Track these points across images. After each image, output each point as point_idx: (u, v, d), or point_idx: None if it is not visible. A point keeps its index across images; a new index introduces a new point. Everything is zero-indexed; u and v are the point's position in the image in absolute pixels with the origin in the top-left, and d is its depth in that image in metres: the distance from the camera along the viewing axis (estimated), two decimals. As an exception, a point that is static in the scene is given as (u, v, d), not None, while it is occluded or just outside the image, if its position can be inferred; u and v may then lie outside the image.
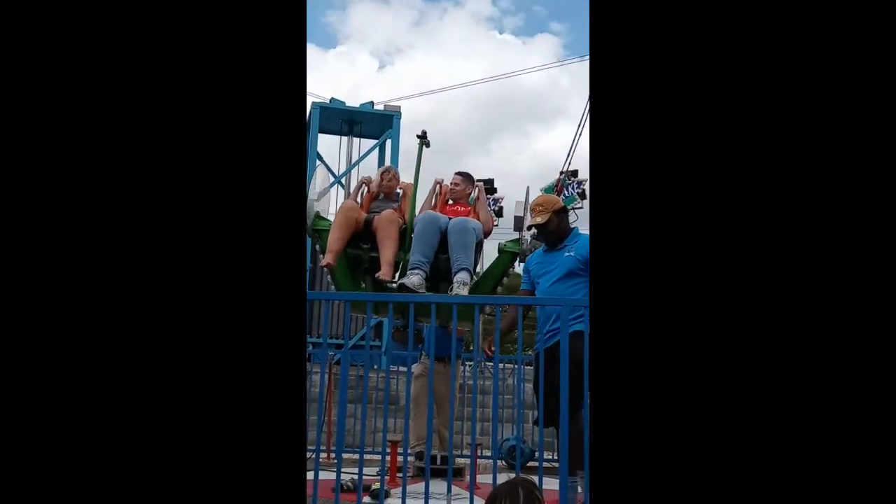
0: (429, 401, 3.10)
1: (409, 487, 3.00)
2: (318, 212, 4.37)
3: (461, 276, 3.80)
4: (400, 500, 2.98)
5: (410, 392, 3.41)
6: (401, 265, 4.16)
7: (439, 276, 4.02)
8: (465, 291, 3.77)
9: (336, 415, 5.34)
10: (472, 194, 4.51)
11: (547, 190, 9.68)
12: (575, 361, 2.77)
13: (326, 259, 3.96)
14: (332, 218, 4.43)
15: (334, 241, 3.99)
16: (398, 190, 4.54)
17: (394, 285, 3.83)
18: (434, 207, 4.42)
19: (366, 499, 3.32)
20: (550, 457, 5.23)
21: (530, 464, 4.99)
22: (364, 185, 4.59)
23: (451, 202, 4.48)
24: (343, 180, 12.31)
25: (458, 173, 4.62)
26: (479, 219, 4.22)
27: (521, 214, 4.52)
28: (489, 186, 8.28)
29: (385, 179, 4.50)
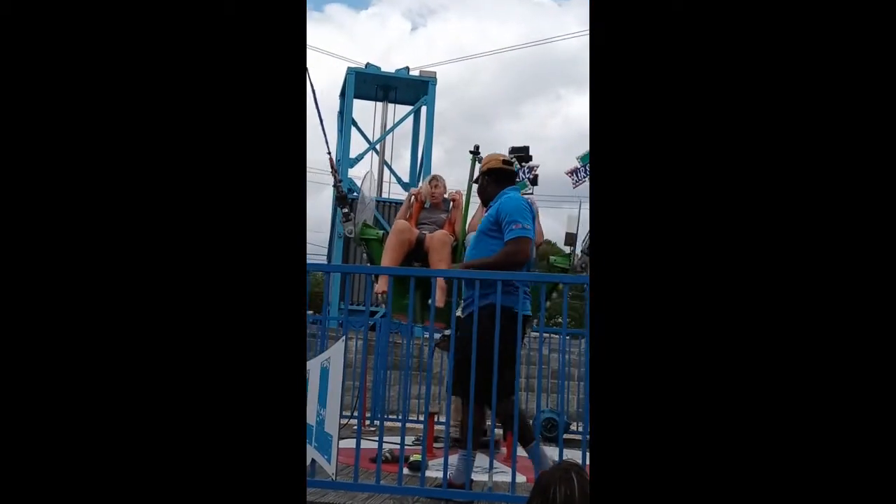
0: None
1: (450, 459, 3.01)
2: (364, 220, 4.32)
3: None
4: (440, 472, 2.99)
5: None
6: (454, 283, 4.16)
7: None
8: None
9: (370, 381, 5.39)
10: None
11: (583, 159, 9.58)
12: (483, 339, 2.79)
13: (381, 286, 3.83)
14: (374, 227, 4.43)
15: (388, 265, 3.88)
16: (446, 196, 4.54)
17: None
18: None
19: (405, 470, 3.34)
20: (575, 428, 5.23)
21: (567, 436, 4.99)
22: (412, 196, 4.57)
23: None
24: (377, 147, 12.26)
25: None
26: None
27: (574, 231, 4.50)
28: (524, 155, 8.19)
29: (432, 187, 4.52)
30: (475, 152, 4.48)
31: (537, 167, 8.60)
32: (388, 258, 3.90)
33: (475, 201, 4.59)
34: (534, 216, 3.18)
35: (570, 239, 4.62)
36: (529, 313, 3.21)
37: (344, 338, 2.88)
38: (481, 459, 3.06)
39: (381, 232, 3.66)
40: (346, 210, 4.12)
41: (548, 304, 4.07)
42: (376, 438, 3.14)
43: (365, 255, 4.35)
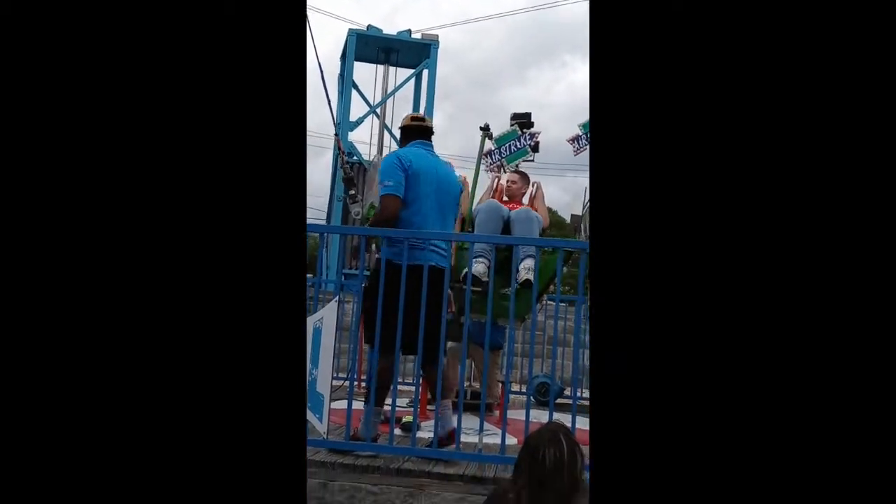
0: (462, 355, 3.10)
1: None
2: (372, 203, 4.29)
3: (527, 263, 3.73)
4: (430, 434, 3.03)
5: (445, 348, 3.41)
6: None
7: (497, 268, 3.92)
8: (530, 275, 3.70)
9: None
10: (530, 191, 4.54)
11: (584, 126, 9.51)
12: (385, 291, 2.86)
13: None
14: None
15: None
16: None
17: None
18: None
19: (397, 430, 3.38)
20: (580, 395, 5.28)
21: (559, 401, 5.04)
22: None
23: (506, 199, 4.49)
24: (378, 110, 12.16)
25: (516, 171, 4.73)
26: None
27: (580, 214, 4.52)
28: (526, 121, 8.13)
29: None
30: (486, 129, 4.48)
31: (539, 134, 8.50)
32: None
33: (483, 182, 4.62)
34: (409, 172, 3.12)
35: (576, 222, 4.65)
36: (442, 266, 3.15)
37: (337, 298, 2.89)
38: (472, 421, 3.09)
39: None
40: (352, 192, 4.12)
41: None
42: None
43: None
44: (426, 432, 3.19)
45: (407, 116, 3.50)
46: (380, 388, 3.05)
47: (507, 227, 4.04)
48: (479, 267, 3.70)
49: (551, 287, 4.39)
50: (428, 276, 2.93)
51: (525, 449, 1.98)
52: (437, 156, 3.33)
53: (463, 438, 2.92)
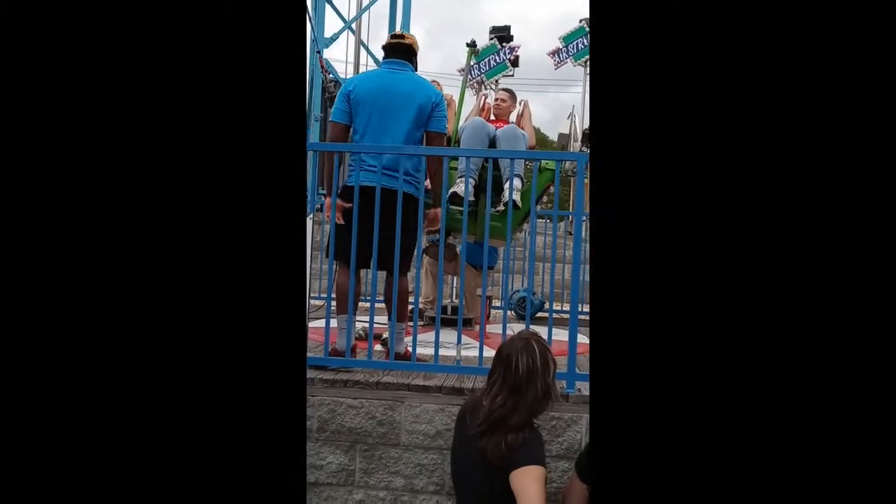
0: (439, 270, 3.09)
1: (420, 336, 3.07)
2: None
3: (515, 183, 3.72)
4: (412, 349, 3.07)
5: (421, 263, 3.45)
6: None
7: (481, 186, 3.90)
8: (517, 198, 3.74)
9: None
10: (517, 110, 4.50)
11: (566, 39, 9.24)
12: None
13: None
14: None
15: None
16: None
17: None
18: None
19: (377, 346, 3.41)
20: (559, 308, 5.36)
21: (539, 314, 5.11)
22: None
23: (493, 118, 4.44)
24: (353, 26, 11.78)
25: (504, 90, 4.69)
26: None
27: (567, 132, 4.47)
28: (505, 35, 7.92)
29: None
30: (472, 45, 4.42)
31: (518, 48, 8.32)
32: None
33: (469, 102, 4.56)
34: (351, 98, 3.18)
35: (563, 140, 4.60)
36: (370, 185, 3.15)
37: (311, 215, 2.86)
38: (451, 335, 3.13)
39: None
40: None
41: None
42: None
43: None
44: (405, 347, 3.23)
45: (388, 37, 3.44)
46: (336, 299, 3.18)
47: (493, 144, 4.02)
48: (461, 186, 3.69)
49: (538, 206, 4.42)
50: (359, 195, 2.96)
51: (498, 357, 2.00)
52: (399, 72, 3.23)
53: (442, 352, 2.96)
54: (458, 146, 4.08)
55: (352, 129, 3.18)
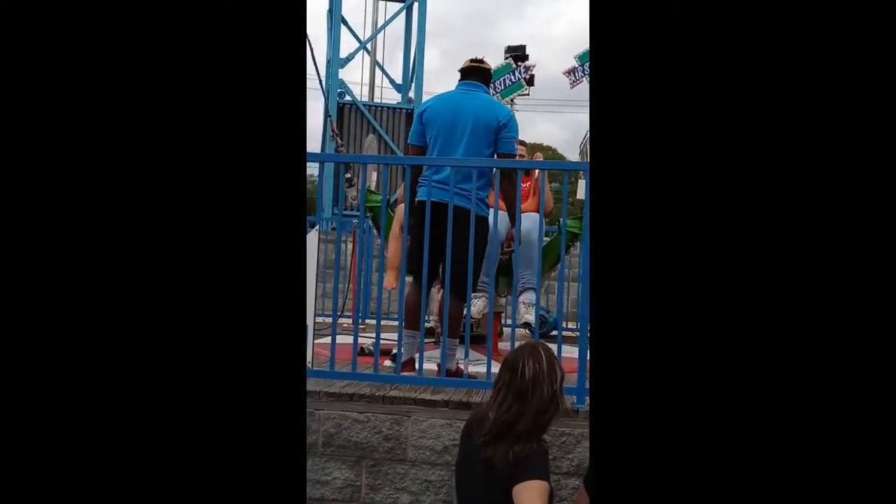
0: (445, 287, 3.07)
1: (427, 353, 3.04)
2: (369, 185, 4.15)
3: (527, 297, 3.60)
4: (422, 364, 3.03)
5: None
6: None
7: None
8: (531, 315, 3.48)
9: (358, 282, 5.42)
10: (534, 176, 4.19)
11: (581, 58, 9.28)
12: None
13: (388, 280, 3.72)
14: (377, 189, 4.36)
15: (394, 256, 3.74)
16: None
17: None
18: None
19: (386, 362, 3.38)
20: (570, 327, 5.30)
21: (552, 333, 5.06)
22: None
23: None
24: (369, 46, 11.88)
25: (520, 142, 4.57)
26: (537, 201, 3.90)
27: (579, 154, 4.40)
28: (520, 54, 7.94)
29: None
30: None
31: (533, 67, 8.36)
32: (392, 248, 3.83)
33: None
34: (424, 119, 3.23)
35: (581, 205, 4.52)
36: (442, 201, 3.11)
37: (317, 228, 2.85)
38: (459, 351, 3.10)
39: (384, 197, 3.54)
40: (348, 175, 4.15)
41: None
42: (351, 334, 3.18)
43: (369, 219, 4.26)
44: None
45: (467, 60, 3.47)
46: (407, 312, 3.12)
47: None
48: (479, 303, 3.69)
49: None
50: (430, 211, 2.93)
51: (504, 364, 1.97)
52: (471, 92, 3.26)
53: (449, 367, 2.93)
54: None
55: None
